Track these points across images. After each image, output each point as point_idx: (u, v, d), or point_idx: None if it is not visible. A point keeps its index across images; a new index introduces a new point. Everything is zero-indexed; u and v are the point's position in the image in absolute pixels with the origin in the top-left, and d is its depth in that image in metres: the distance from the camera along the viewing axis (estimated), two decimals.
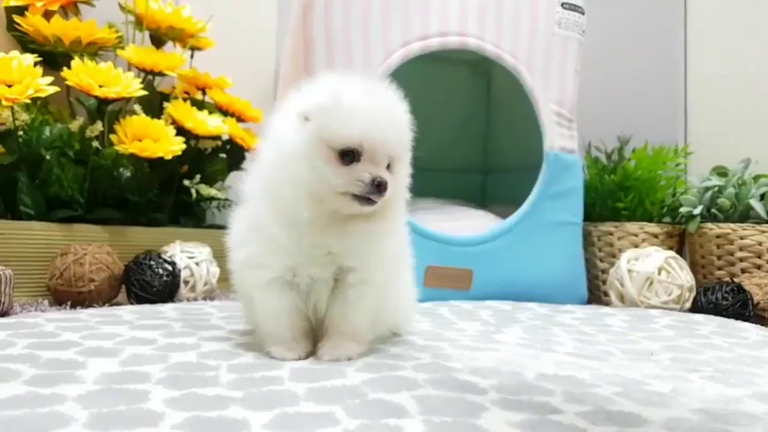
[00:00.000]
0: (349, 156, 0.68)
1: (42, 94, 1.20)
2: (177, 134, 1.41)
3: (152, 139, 1.34)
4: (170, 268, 1.22)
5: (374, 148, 0.69)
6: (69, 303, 1.13)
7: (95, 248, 1.18)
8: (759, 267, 1.37)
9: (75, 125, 1.34)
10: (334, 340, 0.75)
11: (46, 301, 1.15)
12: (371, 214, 0.71)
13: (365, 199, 0.68)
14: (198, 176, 1.53)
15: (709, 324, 1.09)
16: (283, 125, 0.73)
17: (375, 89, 0.73)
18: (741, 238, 1.39)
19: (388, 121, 0.71)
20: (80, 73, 1.28)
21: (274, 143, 0.73)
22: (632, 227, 1.52)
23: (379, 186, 0.68)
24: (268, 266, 0.72)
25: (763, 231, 1.37)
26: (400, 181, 0.75)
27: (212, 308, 1.13)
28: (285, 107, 0.75)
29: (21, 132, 1.26)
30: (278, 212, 0.71)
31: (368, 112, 0.69)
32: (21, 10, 1.40)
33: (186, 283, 1.27)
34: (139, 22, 1.53)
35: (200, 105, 1.59)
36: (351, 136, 0.68)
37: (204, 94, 1.68)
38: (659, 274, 1.31)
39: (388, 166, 0.71)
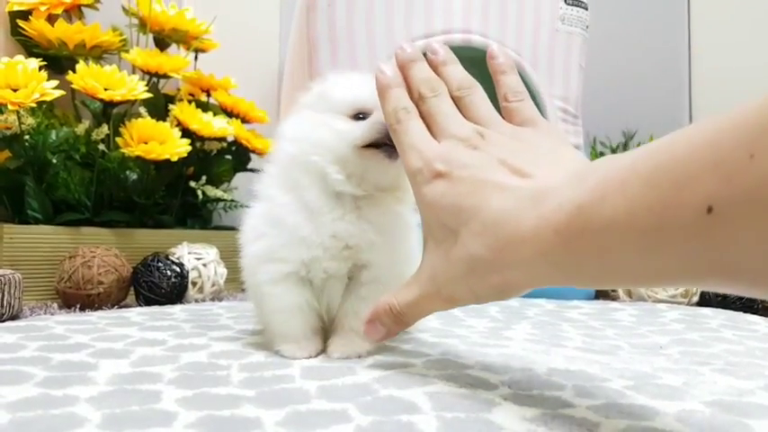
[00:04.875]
0: (360, 117, 0.71)
1: (48, 98, 1.20)
2: (182, 136, 1.41)
3: (158, 141, 1.34)
4: (178, 270, 1.22)
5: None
6: (78, 306, 1.13)
7: (103, 251, 1.18)
8: None
9: (80, 128, 1.34)
10: (345, 338, 0.75)
11: (55, 304, 1.16)
12: (387, 194, 0.73)
13: (387, 146, 0.68)
14: (204, 178, 1.53)
15: (717, 317, 1.09)
16: (297, 120, 0.76)
17: None
18: None
19: None
20: (85, 76, 1.28)
21: (288, 136, 0.75)
22: None
23: None
24: (285, 260, 0.72)
25: None
26: None
27: (221, 308, 1.14)
28: (295, 108, 0.77)
29: (27, 136, 1.26)
30: (299, 201, 0.72)
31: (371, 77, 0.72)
32: (24, 14, 1.40)
33: (194, 284, 1.27)
34: (143, 25, 1.54)
35: (204, 107, 1.59)
36: (362, 93, 0.71)
37: (209, 95, 1.68)
38: None
39: None
